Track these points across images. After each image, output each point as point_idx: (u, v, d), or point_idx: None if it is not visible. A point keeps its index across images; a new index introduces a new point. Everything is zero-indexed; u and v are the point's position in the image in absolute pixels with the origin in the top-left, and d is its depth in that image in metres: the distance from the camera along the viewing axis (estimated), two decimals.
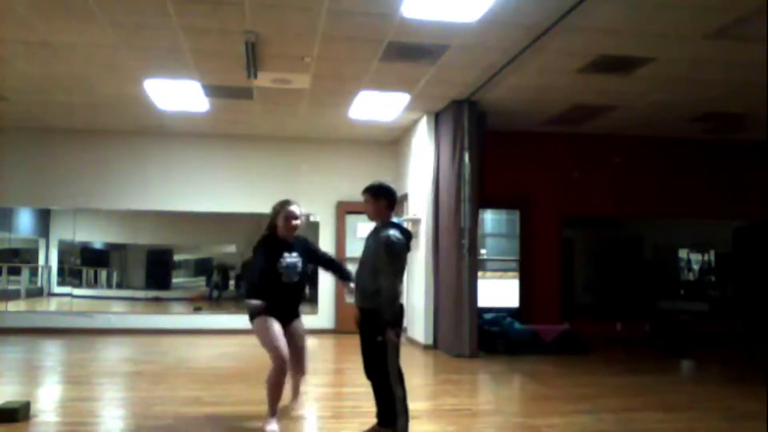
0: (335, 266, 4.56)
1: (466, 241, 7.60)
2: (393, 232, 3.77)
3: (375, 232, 3.91)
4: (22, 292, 12.82)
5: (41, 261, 13.63)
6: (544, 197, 9.39)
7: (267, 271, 4.08)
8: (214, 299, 12.84)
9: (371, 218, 4.02)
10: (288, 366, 4.11)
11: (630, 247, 11.01)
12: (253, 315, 4.12)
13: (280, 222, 4.15)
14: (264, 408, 4.47)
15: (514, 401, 5.67)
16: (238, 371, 6.40)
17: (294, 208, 4.19)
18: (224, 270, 13.04)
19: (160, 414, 4.57)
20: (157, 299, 14.51)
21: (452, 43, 5.93)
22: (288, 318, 4.26)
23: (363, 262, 3.93)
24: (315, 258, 4.44)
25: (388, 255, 3.73)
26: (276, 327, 4.09)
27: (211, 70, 6.80)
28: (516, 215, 9.70)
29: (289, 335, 4.20)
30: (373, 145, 10.14)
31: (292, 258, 4.13)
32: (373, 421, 4.51)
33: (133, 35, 5.84)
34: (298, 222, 4.18)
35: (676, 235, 11.38)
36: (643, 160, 9.67)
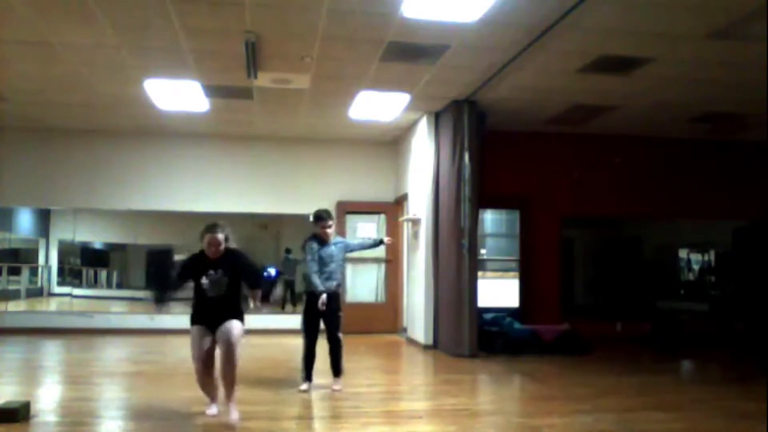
0: (251, 279, 4.74)
1: (466, 241, 7.60)
2: None
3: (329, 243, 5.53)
4: (22, 292, 12.82)
5: (41, 261, 13.64)
6: (544, 197, 9.39)
7: (195, 285, 4.51)
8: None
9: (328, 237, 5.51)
10: (206, 367, 4.46)
11: (630, 247, 11.03)
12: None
13: (203, 245, 4.47)
14: (264, 408, 4.50)
15: (514, 401, 5.67)
16: (238, 371, 6.40)
17: (218, 236, 4.44)
18: None
19: (160, 414, 4.57)
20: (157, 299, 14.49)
21: (452, 43, 5.93)
22: (216, 323, 4.41)
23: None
24: (238, 272, 4.55)
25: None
26: (196, 335, 4.45)
27: (211, 70, 6.80)
28: (516, 215, 9.70)
29: (218, 337, 4.41)
30: (373, 145, 10.14)
31: (215, 275, 4.45)
32: (372, 421, 4.53)
33: (133, 35, 5.84)
34: (220, 248, 4.44)
35: (676, 235, 11.40)
36: (643, 160, 9.67)
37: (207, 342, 4.40)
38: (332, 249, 5.51)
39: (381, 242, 6.22)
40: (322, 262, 5.43)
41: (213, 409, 4.51)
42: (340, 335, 5.54)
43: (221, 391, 4.47)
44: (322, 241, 5.49)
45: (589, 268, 10.78)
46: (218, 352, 4.39)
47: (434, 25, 5.45)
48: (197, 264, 4.48)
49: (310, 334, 5.46)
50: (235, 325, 4.37)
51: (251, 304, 4.92)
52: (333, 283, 5.46)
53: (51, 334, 9.04)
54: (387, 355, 8.13)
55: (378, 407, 5.00)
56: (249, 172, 9.91)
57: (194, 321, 4.50)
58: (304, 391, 5.30)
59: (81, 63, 6.58)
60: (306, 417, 4.74)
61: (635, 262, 10.94)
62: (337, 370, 5.49)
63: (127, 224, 13.62)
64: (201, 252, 4.49)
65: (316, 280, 5.36)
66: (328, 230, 5.49)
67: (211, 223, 4.52)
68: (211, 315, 4.44)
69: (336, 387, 5.40)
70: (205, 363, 4.41)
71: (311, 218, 5.63)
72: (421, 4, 5.02)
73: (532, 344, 7.89)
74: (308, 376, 5.43)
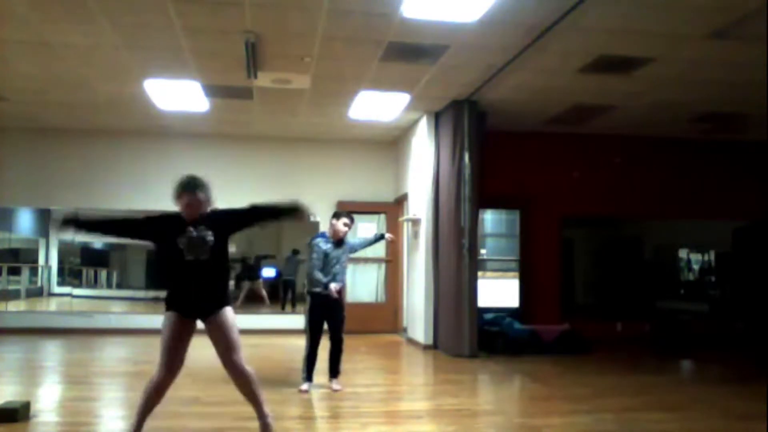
0: (263, 210, 3.74)
1: (466, 241, 7.60)
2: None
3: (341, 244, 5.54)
4: (22, 292, 12.82)
5: (41, 261, 13.64)
6: (544, 197, 9.39)
7: (167, 251, 3.50)
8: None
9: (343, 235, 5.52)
10: (166, 381, 3.57)
11: (630, 247, 11.02)
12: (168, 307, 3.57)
13: (180, 207, 3.58)
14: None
15: (514, 401, 5.67)
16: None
17: (198, 196, 3.58)
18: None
19: (159, 414, 4.56)
20: (157, 299, 14.51)
21: (452, 43, 5.93)
22: (202, 311, 3.57)
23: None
24: (233, 222, 3.70)
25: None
26: (172, 331, 3.53)
27: (211, 70, 6.80)
28: (516, 215, 9.70)
29: (211, 337, 3.60)
30: (373, 145, 10.14)
31: (197, 232, 3.51)
32: (371, 420, 4.53)
33: (133, 35, 5.84)
34: (200, 210, 3.58)
35: (676, 235, 11.39)
36: (643, 160, 9.67)
37: (183, 348, 3.55)
38: (339, 251, 5.50)
39: (382, 237, 6.22)
40: (328, 263, 5.41)
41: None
42: (343, 336, 5.54)
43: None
44: (335, 241, 5.48)
45: (589, 268, 10.77)
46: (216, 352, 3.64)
47: (434, 25, 5.45)
48: (171, 225, 3.52)
49: (314, 334, 5.45)
50: (231, 331, 3.53)
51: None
52: (338, 285, 5.45)
53: (51, 334, 9.04)
54: (387, 355, 8.13)
55: (378, 407, 5.00)
56: (249, 172, 9.90)
57: (169, 305, 3.55)
58: (305, 392, 5.30)
59: (81, 63, 6.58)
60: (306, 417, 4.74)
61: (635, 262, 10.93)
62: (336, 371, 5.50)
63: None
64: (176, 214, 3.59)
65: (318, 274, 5.36)
66: (347, 229, 5.48)
67: (187, 178, 3.65)
68: (189, 293, 3.53)
69: (337, 387, 5.40)
70: (171, 376, 3.54)
71: (332, 214, 5.63)
72: (421, 4, 5.02)
73: (532, 344, 7.89)
74: (309, 377, 5.43)
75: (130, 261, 15.95)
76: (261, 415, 3.73)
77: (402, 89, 7.41)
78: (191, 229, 3.48)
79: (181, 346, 3.55)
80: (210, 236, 3.49)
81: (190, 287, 3.54)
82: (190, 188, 3.58)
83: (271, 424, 3.76)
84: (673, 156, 9.69)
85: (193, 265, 3.48)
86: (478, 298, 7.69)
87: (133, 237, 3.81)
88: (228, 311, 3.61)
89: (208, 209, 3.65)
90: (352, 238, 5.79)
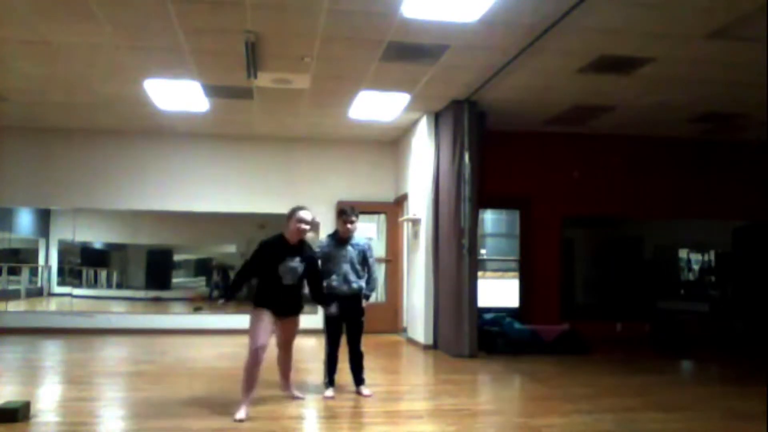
0: (316, 288, 5.02)
1: (466, 241, 7.60)
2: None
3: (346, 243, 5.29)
4: (22, 292, 12.82)
5: (41, 261, 13.64)
6: (544, 197, 9.39)
7: (268, 271, 4.64)
8: (214, 299, 12.85)
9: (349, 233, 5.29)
10: (262, 356, 4.59)
11: (630, 247, 11.01)
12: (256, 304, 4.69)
13: (291, 225, 4.66)
14: (264, 407, 4.49)
15: (514, 401, 5.67)
16: (238, 371, 6.38)
17: (304, 214, 4.68)
18: (224, 270, 13.05)
19: (160, 414, 4.57)
20: (157, 299, 14.52)
21: (452, 43, 5.93)
22: (283, 312, 4.75)
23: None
24: (308, 271, 4.84)
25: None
26: (262, 320, 4.61)
27: (211, 70, 6.80)
28: (516, 215, 9.70)
29: (281, 329, 4.86)
30: (373, 145, 10.14)
31: (293, 263, 4.65)
32: (371, 420, 4.53)
33: (133, 35, 5.84)
34: (305, 227, 4.67)
35: (676, 235, 11.38)
36: (643, 160, 9.67)
37: (270, 331, 4.65)
38: (348, 249, 5.24)
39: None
40: (335, 263, 5.18)
41: (242, 413, 4.37)
42: (362, 350, 5.37)
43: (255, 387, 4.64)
44: (341, 239, 5.26)
45: (589, 268, 10.77)
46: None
47: (434, 25, 5.45)
48: (276, 249, 4.64)
49: (332, 338, 5.29)
50: (297, 326, 4.94)
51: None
52: (352, 286, 5.20)
53: (51, 334, 9.04)
54: (387, 355, 8.13)
55: (378, 407, 4.99)
56: (249, 172, 9.91)
57: (262, 303, 4.63)
58: (330, 398, 5.13)
59: (81, 63, 6.58)
60: (306, 417, 4.74)
61: (635, 262, 10.92)
62: (360, 379, 5.36)
63: (127, 224, 13.61)
64: (279, 237, 4.68)
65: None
66: (350, 226, 5.21)
67: (297, 205, 4.74)
68: (281, 302, 4.68)
69: (367, 392, 5.25)
70: (263, 352, 4.57)
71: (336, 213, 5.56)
72: (421, 4, 5.02)
73: (532, 344, 7.89)
74: (331, 382, 5.27)
75: (130, 261, 15.96)
76: (288, 385, 5.10)
77: (402, 89, 7.41)
78: (292, 258, 4.64)
79: (267, 334, 4.66)
80: (302, 266, 4.71)
81: (282, 299, 4.71)
82: (302, 208, 4.70)
83: (296, 395, 5.02)
84: (672, 156, 9.69)
85: (286, 286, 4.68)
86: (478, 298, 7.69)
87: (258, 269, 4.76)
88: (297, 319, 4.95)
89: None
90: (361, 239, 5.43)
